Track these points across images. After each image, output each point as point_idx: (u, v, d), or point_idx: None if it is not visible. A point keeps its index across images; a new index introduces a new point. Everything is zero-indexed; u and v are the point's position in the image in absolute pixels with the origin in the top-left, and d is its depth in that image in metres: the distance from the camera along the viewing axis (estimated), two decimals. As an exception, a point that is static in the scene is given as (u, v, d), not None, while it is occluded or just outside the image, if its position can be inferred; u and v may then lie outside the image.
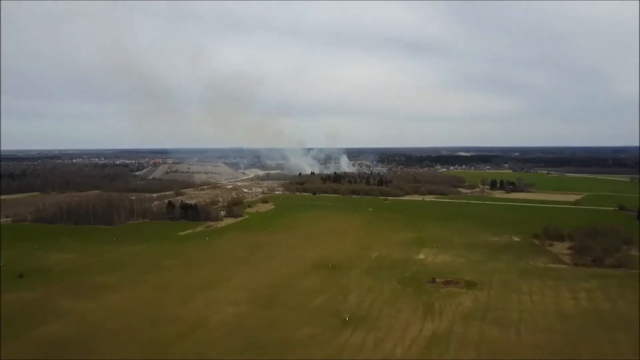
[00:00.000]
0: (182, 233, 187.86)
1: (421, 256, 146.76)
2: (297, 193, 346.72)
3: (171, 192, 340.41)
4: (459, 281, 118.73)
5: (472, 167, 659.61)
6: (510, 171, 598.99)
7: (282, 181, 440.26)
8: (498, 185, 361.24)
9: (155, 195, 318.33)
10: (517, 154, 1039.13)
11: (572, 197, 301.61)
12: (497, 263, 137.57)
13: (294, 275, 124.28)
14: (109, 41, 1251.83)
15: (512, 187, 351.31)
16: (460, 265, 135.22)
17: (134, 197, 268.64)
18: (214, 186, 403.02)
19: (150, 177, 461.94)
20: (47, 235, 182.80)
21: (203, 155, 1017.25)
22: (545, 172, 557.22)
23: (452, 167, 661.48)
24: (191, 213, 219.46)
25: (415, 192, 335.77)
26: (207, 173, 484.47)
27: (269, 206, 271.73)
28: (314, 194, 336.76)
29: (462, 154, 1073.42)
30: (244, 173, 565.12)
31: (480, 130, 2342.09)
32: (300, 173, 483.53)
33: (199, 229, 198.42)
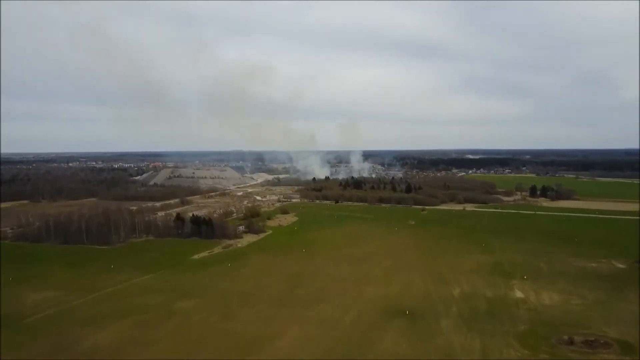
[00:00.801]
0: (196, 257, 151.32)
1: (519, 294, 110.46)
2: (317, 201, 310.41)
3: (176, 200, 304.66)
4: (607, 341, 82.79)
5: (492, 171, 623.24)
6: (533, 175, 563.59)
7: (296, 187, 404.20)
8: (539, 192, 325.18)
9: (158, 204, 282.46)
10: (528, 156, 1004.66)
11: (630, 206, 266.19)
12: (631, 305, 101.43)
13: (364, 330, 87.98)
14: (106, 42, 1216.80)
15: (555, 194, 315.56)
16: (581, 311, 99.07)
17: (134, 208, 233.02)
18: (222, 193, 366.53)
19: (152, 182, 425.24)
20: (28, 260, 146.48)
21: (204, 158, 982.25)
22: (574, 176, 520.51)
23: (470, 171, 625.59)
24: (204, 229, 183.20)
25: (452, 200, 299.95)
26: (213, 178, 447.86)
27: (291, 218, 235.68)
28: (337, 202, 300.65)
29: (470, 156, 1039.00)
30: (251, 178, 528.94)
31: (486, 133, 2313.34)
32: (314, 178, 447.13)
33: (216, 250, 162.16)
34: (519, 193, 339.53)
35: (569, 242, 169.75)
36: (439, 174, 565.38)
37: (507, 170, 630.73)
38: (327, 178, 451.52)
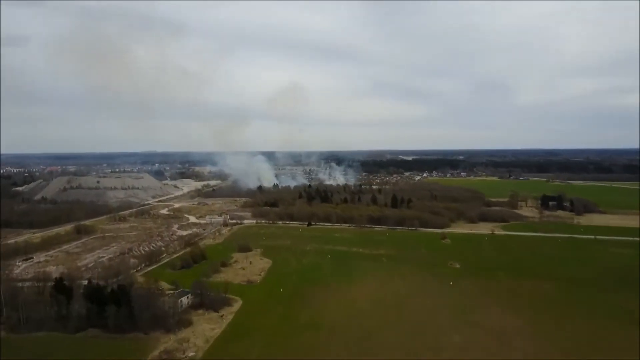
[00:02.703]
0: None
1: None
2: (280, 222, 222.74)
3: (69, 227, 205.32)
4: None
5: (448, 174, 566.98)
6: (495, 178, 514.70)
7: (239, 199, 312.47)
8: (554, 204, 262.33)
9: (38, 235, 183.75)
10: (462, 157, 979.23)
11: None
12: None
13: None
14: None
15: (572, 206, 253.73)
16: None
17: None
18: (140, 211, 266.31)
19: (38, 196, 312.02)
20: None
21: (113, 161, 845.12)
22: (545, 179, 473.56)
23: (424, 174, 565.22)
24: (113, 313, 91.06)
25: (459, 218, 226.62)
26: (126, 189, 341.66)
27: (259, 260, 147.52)
28: (309, 224, 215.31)
29: (405, 158, 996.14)
30: (175, 186, 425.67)
31: (394, 135, 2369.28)
32: (260, 186, 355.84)
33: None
34: (523, 204, 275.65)
35: None
36: (393, 178, 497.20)
37: (462, 173, 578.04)
38: (276, 186, 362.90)
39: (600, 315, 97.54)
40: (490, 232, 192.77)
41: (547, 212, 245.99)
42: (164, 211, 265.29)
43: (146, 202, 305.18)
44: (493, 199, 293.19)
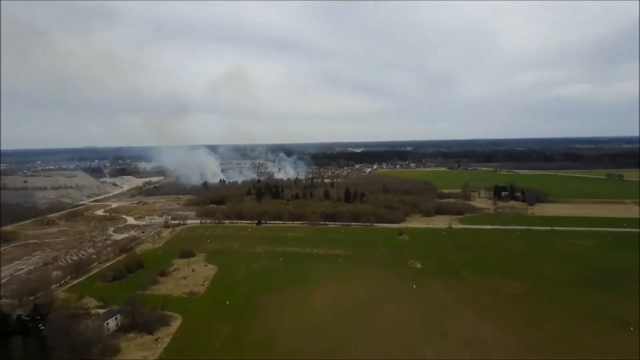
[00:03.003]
0: None
1: None
2: (227, 222, 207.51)
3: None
4: None
5: (398, 166, 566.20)
6: (444, 169, 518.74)
7: (182, 196, 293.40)
8: (506, 194, 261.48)
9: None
10: (410, 148, 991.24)
11: (628, 209, 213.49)
12: None
13: None
14: None
15: (524, 196, 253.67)
16: None
17: None
18: (72, 212, 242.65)
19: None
20: None
21: (47, 158, 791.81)
22: (493, 169, 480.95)
23: (374, 166, 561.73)
24: (21, 346, 74.53)
25: (414, 211, 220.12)
26: (57, 188, 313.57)
27: (202, 267, 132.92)
28: (258, 222, 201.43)
29: (354, 150, 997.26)
30: (114, 184, 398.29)
31: (347, 128, 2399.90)
32: (205, 182, 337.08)
33: None
34: (476, 195, 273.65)
35: None
36: (344, 171, 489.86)
37: (412, 164, 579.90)
38: (222, 182, 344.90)
39: (580, 315, 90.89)
40: (447, 226, 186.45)
41: (500, 203, 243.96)
42: (100, 212, 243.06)
43: (80, 203, 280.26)
44: (445, 191, 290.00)
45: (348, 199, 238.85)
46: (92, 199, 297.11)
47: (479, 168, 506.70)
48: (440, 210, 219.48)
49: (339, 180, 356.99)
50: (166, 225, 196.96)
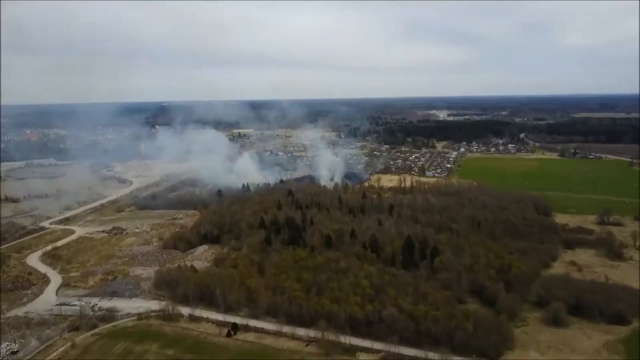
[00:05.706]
0: None
1: None
2: (187, 316, 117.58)
3: None
4: None
5: (492, 149, 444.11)
6: (555, 156, 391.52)
7: (184, 212, 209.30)
8: None
9: None
10: (505, 112, 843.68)
11: None
12: None
13: None
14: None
15: None
16: None
17: None
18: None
19: None
20: None
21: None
22: (627, 159, 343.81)
23: (461, 148, 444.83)
24: None
25: (527, 294, 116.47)
26: (27, 198, 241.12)
27: None
28: (228, 333, 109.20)
29: (438, 114, 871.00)
30: (120, 181, 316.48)
31: (422, 82, 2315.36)
32: (220, 191, 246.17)
33: None
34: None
35: None
36: (421, 157, 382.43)
37: (510, 146, 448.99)
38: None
39: None
40: None
41: None
42: (37, 254, 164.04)
43: (38, 226, 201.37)
44: (570, 221, 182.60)
45: (406, 263, 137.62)
46: (64, 216, 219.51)
47: (603, 156, 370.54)
48: (578, 303, 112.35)
49: (408, 181, 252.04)
50: (75, 328, 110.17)
